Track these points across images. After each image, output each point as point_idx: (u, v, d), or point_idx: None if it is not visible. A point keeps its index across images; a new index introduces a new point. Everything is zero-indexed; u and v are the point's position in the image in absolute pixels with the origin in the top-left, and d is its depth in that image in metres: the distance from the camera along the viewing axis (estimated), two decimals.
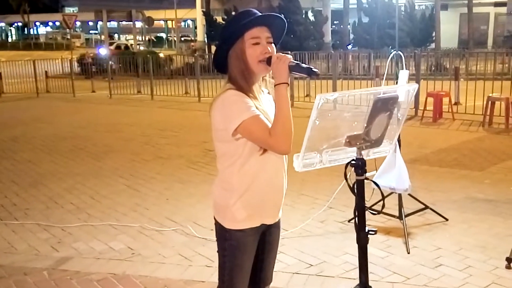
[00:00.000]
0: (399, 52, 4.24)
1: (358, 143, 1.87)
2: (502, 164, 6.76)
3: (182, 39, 56.97)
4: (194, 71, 15.66)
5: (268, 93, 2.21)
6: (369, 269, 3.73)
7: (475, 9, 32.19)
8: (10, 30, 76.16)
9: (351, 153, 1.93)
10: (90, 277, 3.90)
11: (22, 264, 4.21)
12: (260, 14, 2.10)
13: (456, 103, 11.05)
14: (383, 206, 2.24)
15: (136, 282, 3.78)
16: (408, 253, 4.06)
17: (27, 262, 4.25)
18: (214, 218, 2.28)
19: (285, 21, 2.20)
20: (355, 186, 1.95)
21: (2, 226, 5.11)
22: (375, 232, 2.02)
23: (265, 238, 2.31)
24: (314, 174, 4.68)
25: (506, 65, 18.53)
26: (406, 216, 4.44)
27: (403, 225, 4.33)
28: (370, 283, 3.54)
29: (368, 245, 4.19)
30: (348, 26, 30.23)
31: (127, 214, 5.33)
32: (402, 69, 4.20)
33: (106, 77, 17.43)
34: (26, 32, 71.54)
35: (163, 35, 67.62)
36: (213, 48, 28.85)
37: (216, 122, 2.11)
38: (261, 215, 2.23)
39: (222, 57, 2.14)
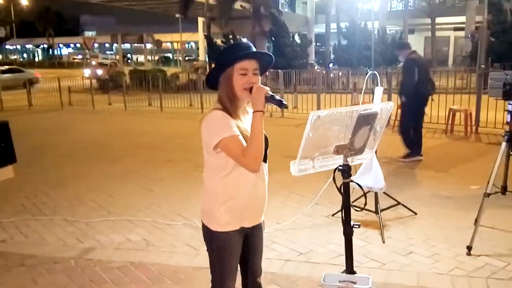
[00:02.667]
0: (375, 72, 4.29)
1: (344, 152, 1.90)
2: (463, 166, 6.82)
3: (186, 58, 56.79)
4: (197, 86, 15.69)
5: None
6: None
7: (438, 33, 32.53)
8: (37, 51, 75.77)
9: (339, 160, 1.96)
10: (111, 265, 3.91)
11: (52, 254, 4.20)
12: (252, 50, 2.12)
13: None
14: (365, 203, 2.27)
15: (151, 269, 3.79)
16: (384, 242, 4.11)
17: (56, 252, 4.24)
18: (202, 222, 2.27)
19: (273, 56, 2.21)
20: (342, 188, 1.98)
21: (34, 221, 5.09)
22: (359, 225, 2.06)
23: (249, 240, 2.31)
24: (303, 175, 4.71)
25: (465, 81, 18.69)
26: (381, 211, 4.49)
27: (379, 219, 4.37)
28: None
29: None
30: (330, 48, 30.40)
31: (142, 210, 5.31)
32: (377, 86, 4.26)
33: (121, 91, 17.39)
34: (50, 52, 71.22)
35: (170, 55, 67.55)
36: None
37: (203, 135, 2.13)
38: (241, 219, 2.21)
39: (214, 78, 2.17)
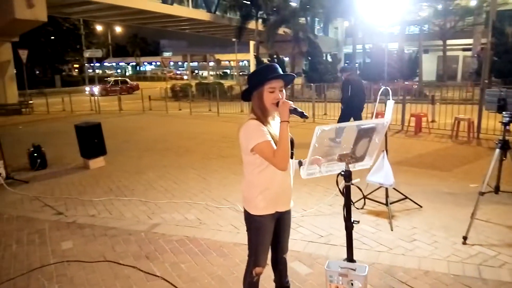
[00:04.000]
0: (387, 87, 4.10)
1: (346, 160, 1.82)
2: (464, 167, 6.42)
3: (241, 73, 57.23)
4: None
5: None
6: (363, 242, 3.68)
7: (448, 53, 30.97)
8: (127, 67, 78.73)
9: (342, 166, 1.88)
10: (171, 238, 3.96)
11: (128, 227, 4.29)
12: (279, 72, 2.11)
13: (433, 121, 10.60)
14: (364, 204, 2.16)
15: (202, 243, 3.81)
16: (392, 230, 3.94)
17: (131, 226, 4.33)
18: (243, 207, 2.28)
19: (295, 76, 2.24)
20: (344, 190, 1.89)
21: (117, 200, 5.23)
22: (358, 222, 1.96)
23: (280, 221, 2.29)
24: None
25: (470, 93, 17.71)
26: (391, 203, 4.31)
27: (388, 210, 4.20)
28: (362, 252, 3.47)
29: (363, 224, 4.10)
30: (356, 64, 29.63)
31: (197, 195, 5.35)
32: (389, 99, 4.08)
33: (189, 99, 17.74)
34: (137, 69, 73.75)
35: (228, 70, 68.24)
36: None
37: (241, 140, 2.14)
38: (276, 205, 2.21)
39: (248, 94, 2.18)
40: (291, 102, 2.02)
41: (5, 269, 3.48)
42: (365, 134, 1.78)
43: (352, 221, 1.88)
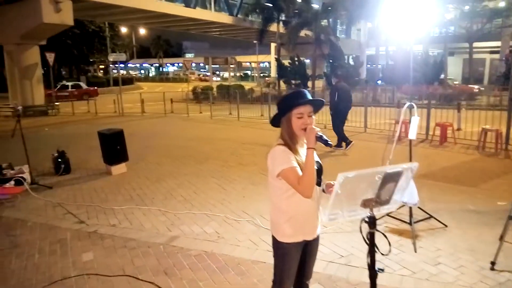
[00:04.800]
0: (412, 103, 3.96)
1: (371, 205, 1.73)
2: (492, 182, 6.16)
3: (261, 75, 57.20)
4: (267, 99, 15.62)
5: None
6: (385, 264, 3.55)
7: (475, 56, 30.12)
8: (150, 68, 79.98)
9: (366, 210, 1.79)
10: (190, 252, 3.94)
11: (147, 239, 4.29)
12: (307, 98, 2.11)
13: (458, 129, 10.28)
14: (390, 251, 2.04)
15: (220, 259, 3.78)
16: (415, 251, 3.80)
17: (151, 238, 4.32)
18: (271, 233, 2.26)
19: (323, 101, 2.22)
20: (368, 237, 1.81)
21: (137, 209, 5.25)
22: (383, 270, 1.87)
23: (307, 248, 2.26)
24: None
25: (498, 98, 17.15)
26: (414, 222, 4.17)
27: (412, 230, 4.05)
28: (384, 275, 3.34)
29: (385, 244, 3.97)
30: (379, 66, 29.11)
31: (216, 206, 5.32)
32: (414, 116, 3.94)
33: (209, 102, 17.82)
34: (160, 70, 74.81)
35: (249, 72, 68.35)
36: (282, 82, 28.79)
37: (268, 165, 2.16)
38: (303, 233, 2.19)
39: (277, 120, 2.18)
40: (318, 129, 2.04)
41: (28, 280, 3.54)
42: (391, 178, 1.69)
43: (376, 269, 1.79)
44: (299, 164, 2.06)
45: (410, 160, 4.13)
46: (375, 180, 1.64)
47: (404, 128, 8.38)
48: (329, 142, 2.02)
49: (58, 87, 25.82)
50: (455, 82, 24.52)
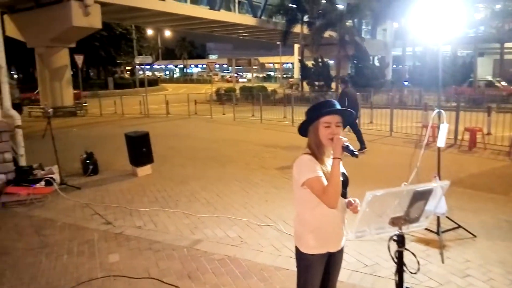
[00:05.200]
0: (441, 110, 3.85)
1: (399, 224, 1.69)
2: None
3: (284, 76, 57.02)
4: (290, 101, 15.54)
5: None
6: (411, 274, 3.45)
7: (506, 56, 29.04)
8: (175, 70, 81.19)
9: (394, 227, 1.75)
10: (213, 256, 3.94)
11: (171, 242, 4.32)
12: (335, 107, 2.09)
13: (488, 134, 9.91)
14: (418, 269, 1.97)
15: (242, 264, 3.76)
16: (443, 262, 3.68)
17: (175, 240, 4.36)
18: (295, 244, 2.23)
19: (353, 112, 2.19)
20: (396, 255, 1.76)
21: (162, 212, 5.30)
22: None
23: (331, 259, 2.22)
24: None
25: None
26: (442, 232, 4.04)
27: (440, 240, 3.93)
28: (412, 285, 3.23)
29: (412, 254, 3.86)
30: (406, 67, 28.48)
31: (239, 210, 5.32)
32: (443, 123, 3.83)
33: (232, 103, 17.91)
34: (184, 71, 75.83)
35: (272, 73, 68.31)
36: (305, 84, 28.62)
37: (294, 174, 2.13)
38: (327, 245, 2.15)
39: (305, 129, 2.17)
40: (345, 139, 2.00)
41: (56, 281, 3.64)
42: (420, 197, 1.65)
43: (405, 287, 1.74)
44: (324, 174, 2.03)
45: (438, 169, 4.01)
46: (404, 198, 1.59)
47: (432, 133, 8.16)
48: (355, 152, 1.98)
49: (37, 92, 22.27)
50: (502, 83, 23.44)
